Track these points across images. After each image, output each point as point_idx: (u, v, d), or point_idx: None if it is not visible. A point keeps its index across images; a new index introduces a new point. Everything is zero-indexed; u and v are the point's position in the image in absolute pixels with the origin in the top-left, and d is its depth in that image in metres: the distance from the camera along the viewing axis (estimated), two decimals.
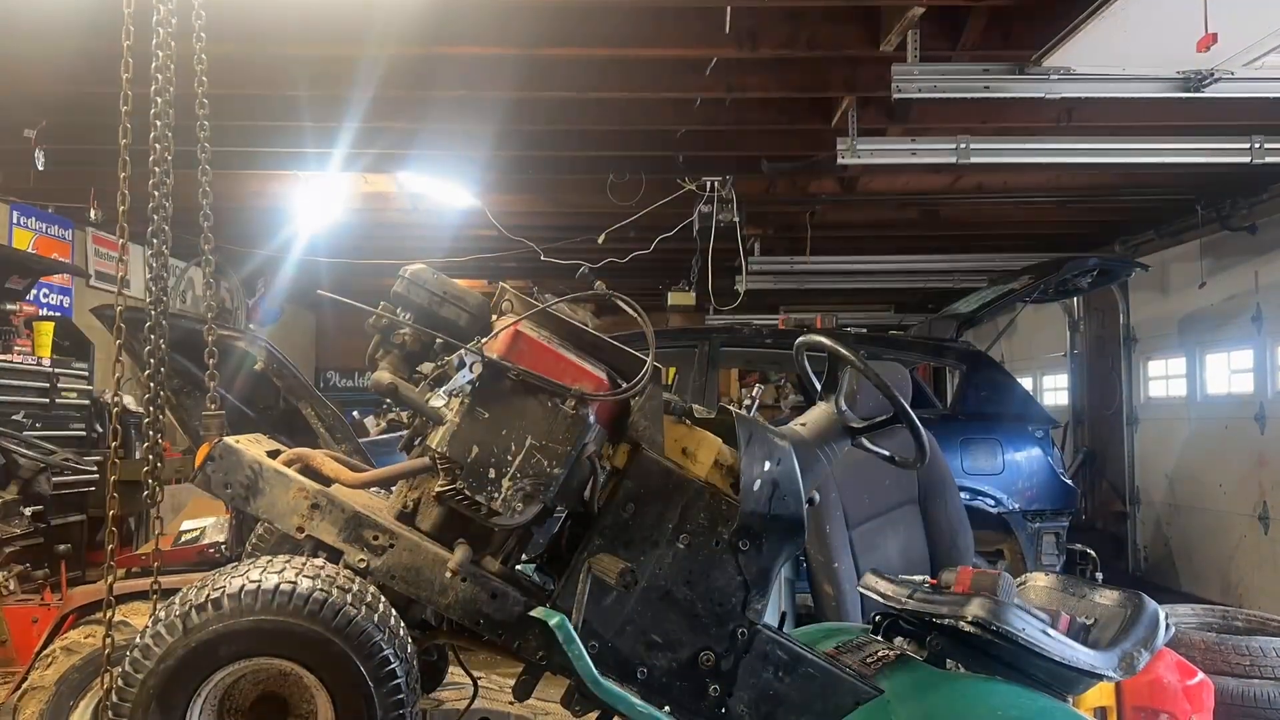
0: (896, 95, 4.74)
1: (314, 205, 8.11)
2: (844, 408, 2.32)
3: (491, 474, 1.92)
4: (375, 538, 1.95)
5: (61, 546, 5.05)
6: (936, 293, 10.31)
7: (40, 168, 6.26)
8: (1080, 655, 2.14)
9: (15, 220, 7.89)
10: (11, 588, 4.62)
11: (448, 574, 1.94)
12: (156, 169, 2.22)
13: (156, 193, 2.22)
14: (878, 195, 7.84)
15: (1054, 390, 11.23)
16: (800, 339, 2.44)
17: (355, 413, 10.48)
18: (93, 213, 8.00)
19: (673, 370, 7.49)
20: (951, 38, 5.05)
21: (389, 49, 5.02)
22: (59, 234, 8.43)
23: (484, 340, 1.99)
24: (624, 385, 2.05)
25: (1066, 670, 2.13)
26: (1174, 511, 8.59)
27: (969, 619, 2.13)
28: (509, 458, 1.93)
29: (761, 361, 8.85)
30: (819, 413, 2.35)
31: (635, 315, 2.09)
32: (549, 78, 5.55)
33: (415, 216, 8.46)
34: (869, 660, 2.26)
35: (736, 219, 7.38)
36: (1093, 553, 6.38)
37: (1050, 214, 8.63)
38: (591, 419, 1.97)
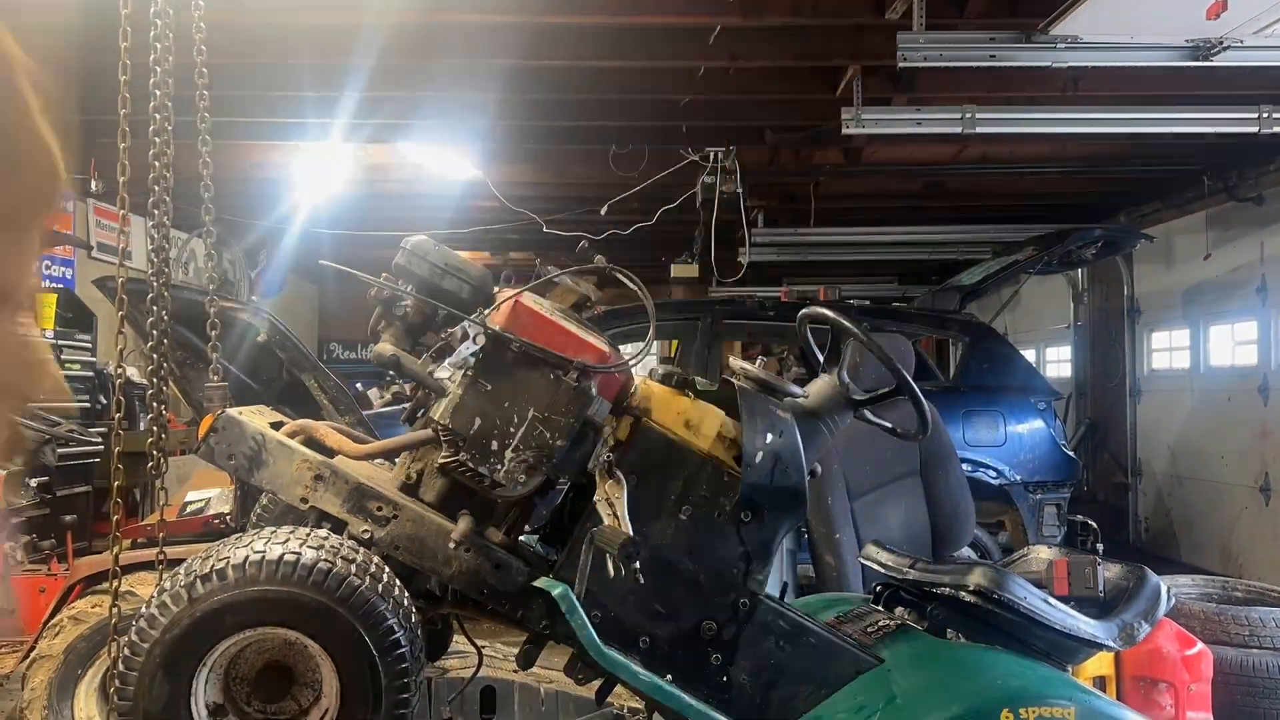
0: (902, 64, 4.69)
1: (315, 176, 8.08)
2: (846, 380, 2.31)
3: (494, 446, 1.93)
4: (379, 509, 1.96)
5: (67, 517, 5.08)
6: (940, 264, 10.28)
7: None
8: (1081, 625, 2.15)
9: None
10: (19, 558, 4.65)
11: (451, 545, 1.95)
12: (157, 139, 2.21)
13: (157, 163, 2.20)
14: (882, 166, 7.79)
15: (1057, 362, 11.22)
16: (803, 311, 2.43)
17: (359, 385, 10.51)
18: (94, 184, 7.97)
19: (675, 343, 7.48)
20: (958, 5, 5.00)
21: (390, 16, 4.98)
22: (60, 205, 8.40)
23: (486, 312, 1.99)
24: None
25: (1067, 640, 2.14)
26: (1175, 483, 8.61)
27: (971, 588, 2.14)
28: (511, 430, 1.93)
29: (764, 334, 8.83)
30: (821, 385, 2.35)
31: (635, 289, 2.09)
32: (551, 46, 5.50)
33: (417, 187, 8.43)
34: (870, 630, 2.27)
35: (740, 190, 7.34)
36: (1094, 524, 6.38)
37: (1055, 185, 8.58)
38: (594, 391, 1.97)
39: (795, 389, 2.26)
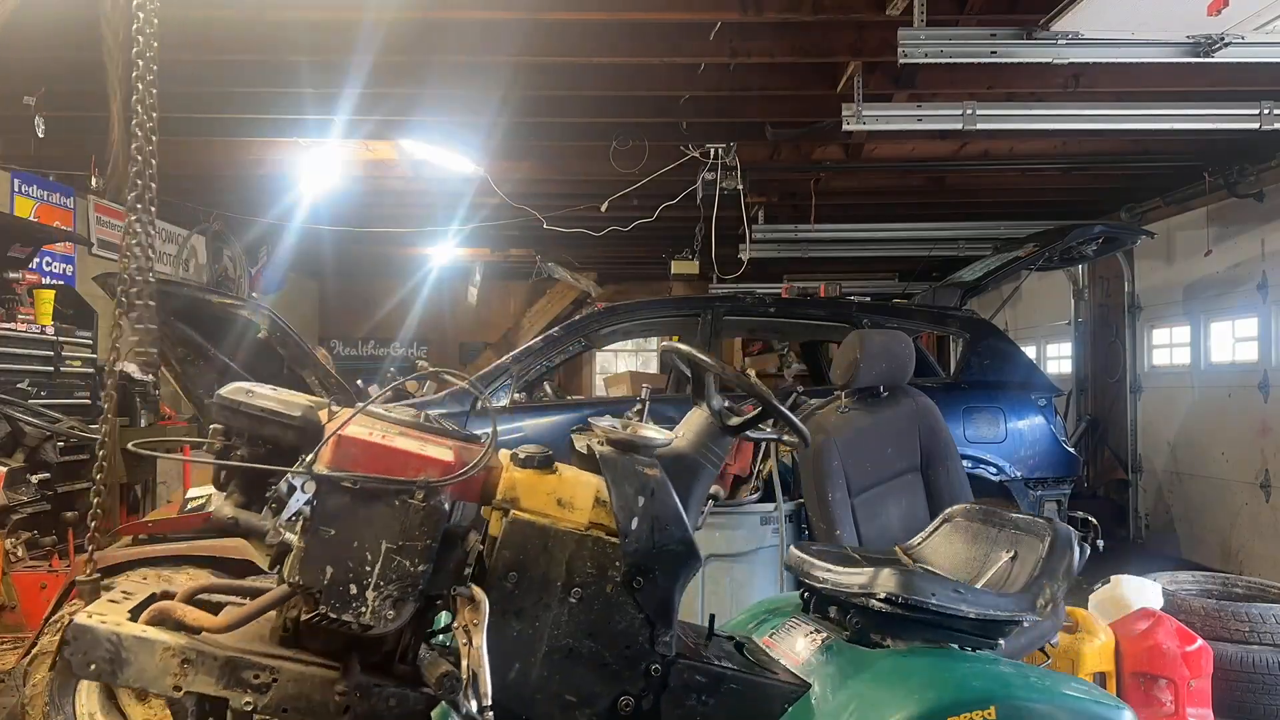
0: (903, 60, 4.69)
1: (316, 172, 8.07)
2: (716, 408, 2.24)
3: (353, 590, 1.82)
4: (256, 677, 1.86)
5: (69, 514, 5.08)
6: (941, 261, 10.27)
7: (41, 135, 6.22)
8: (999, 604, 2.15)
9: (17, 188, 7.86)
10: (20, 554, 4.66)
11: (337, 697, 1.86)
12: (139, 131, 2.18)
13: (139, 156, 2.18)
14: (883, 162, 7.78)
15: (1058, 358, 11.21)
16: (663, 345, 2.41)
17: (360, 380, 10.50)
18: (94, 180, 7.96)
19: (676, 339, 7.48)
20: (958, 1, 4.99)
21: (390, 13, 4.97)
22: (61, 202, 8.41)
23: (309, 457, 1.87)
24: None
25: (987, 623, 2.14)
26: (1176, 479, 8.61)
27: (880, 596, 2.12)
28: (367, 568, 1.83)
29: (764, 330, 8.82)
30: (694, 418, 2.28)
31: (462, 380, 1.99)
32: (551, 42, 5.50)
33: (417, 184, 8.42)
34: (798, 648, 2.23)
35: (740, 186, 7.33)
36: (1094, 520, 6.38)
37: (1056, 181, 8.57)
38: (446, 505, 1.87)
39: (659, 437, 2.15)
